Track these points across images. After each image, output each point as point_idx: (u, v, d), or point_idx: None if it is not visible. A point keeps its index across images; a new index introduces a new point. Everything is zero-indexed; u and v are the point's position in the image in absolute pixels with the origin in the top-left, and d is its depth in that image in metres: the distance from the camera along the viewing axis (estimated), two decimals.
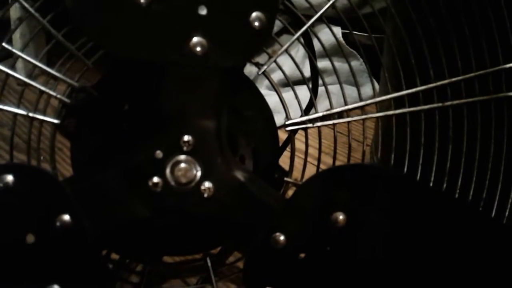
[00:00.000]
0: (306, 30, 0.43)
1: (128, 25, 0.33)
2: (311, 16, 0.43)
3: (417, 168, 0.42)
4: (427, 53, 0.43)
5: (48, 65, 0.41)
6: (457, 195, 0.41)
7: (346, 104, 0.44)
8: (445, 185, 0.42)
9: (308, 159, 0.44)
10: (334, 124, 0.43)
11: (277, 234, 0.37)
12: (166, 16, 0.33)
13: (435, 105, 0.43)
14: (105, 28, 0.33)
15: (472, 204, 0.40)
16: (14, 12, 0.93)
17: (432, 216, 0.39)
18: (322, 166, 0.44)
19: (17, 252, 0.35)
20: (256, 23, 0.35)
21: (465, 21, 0.41)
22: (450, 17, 0.42)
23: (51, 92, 0.40)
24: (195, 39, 0.34)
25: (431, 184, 0.42)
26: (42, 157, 0.42)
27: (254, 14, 0.35)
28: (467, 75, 0.43)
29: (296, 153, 0.44)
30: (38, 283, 0.36)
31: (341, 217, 0.37)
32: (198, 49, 0.34)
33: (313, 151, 0.45)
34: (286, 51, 0.43)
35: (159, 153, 0.36)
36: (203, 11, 0.34)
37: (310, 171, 0.44)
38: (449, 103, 0.43)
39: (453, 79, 0.43)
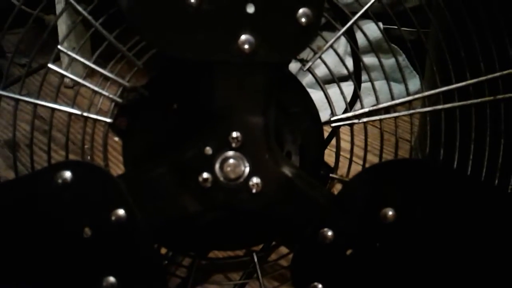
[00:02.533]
0: (350, 26, 0.43)
1: (179, 25, 0.34)
2: (352, 12, 0.43)
3: (467, 164, 0.41)
4: (478, 46, 0.42)
5: (93, 73, 0.43)
6: (510, 191, 0.40)
7: (392, 99, 0.43)
8: (497, 181, 0.41)
9: (353, 156, 0.44)
10: (380, 120, 0.43)
11: (325, 229, 0.37)
12: (215, 15, 0.34)
13: (486, 98, 0.42)
14: (157, 28, 0.34)
15: None
16: (62, 22, 0.97)
17: (484, 211, 0.38)
18: (356, 160, 0.44)
19: (75, 245, 0.37)
20: (303, 19, 0.35)
21: None
22: (500, 8, 0.41)
23: (104, 92, 0.42)
24: (243, 37, 0.35)
25: (482, 179, 0.41)
26: (88, 157, 0.44)
27: (301, 11, 0.35)
28: None
29: (342, 153, 0.44)
30: (94, 275, 0.37)
31: (390, 213, 0.36)
32: (246, 46, 0.35)
33: (356, 150, 0.44)
34: (331, 47, 0.43)
35: (208, 150, 0.37)
36: (250, 9, 0.34)
37: (355, 168, 0.44)
38: (501, 96, 0.42)
39: (505, 72, 0.42)
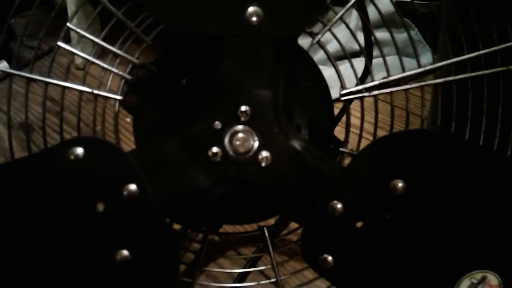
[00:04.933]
0: None
1: None
2: None
3: (479, 136, 0.41)
4: (490, 16, 0.41)
5: (104, 54, 0.43)
6: None
7: (404, 71, 0.43)
8: (509, 153, 0.41)
9: (363, 134, 0.43)
10: (391, 93, 0.43)
11: (335, 202, 0.37)
12: None
13: (499, 69, 0.41)
14: (164, 3, 0.34)
15: None
16: (70, 2, 0.97)
17: (495, 182, 0.37)
18: (366, 135, 0.43)
19: (88, 219, 0.38)
20: None
21: None
22: None
23: (113, 69, 0.42)
24: (251, 9, 0.34)
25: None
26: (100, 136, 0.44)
27: None
28: None
29: (350, 128, 0.44)
30: (108, 248, 0.38)
31: (400, 184, 0.36)
32: (254, 18, 0.34)
33: (367, 125, 0.44)
34: (342, 19, 0.42)
35: (217, 124, 0.37)
36: None
37: (364, 144, 0.44)
38: None
39: None
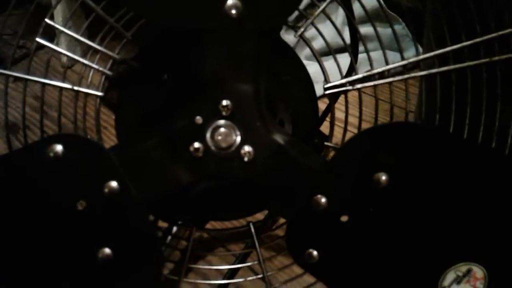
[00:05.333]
0: None
1: None
2: None
3: (463, 128, 0.41)
4: (473, 7, 0.41)
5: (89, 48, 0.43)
6: (506, 153, 0.40)
7: (387, 64, 0.43)
8: (493, 145, 0.41)
9: (348, 127, 0.43)
10: (375, 86, 0.42)
11: (319, 196, 0.37)
12: None
13: (482, 60, 0.41)
14: None
15: None
16: (57, 10, 0.96)
17: (479, 174, 0.37)
18: (349, 128, 0.43)
19: (69, 218, 0.37)
20: None
21: None
22: None
23: (94, 66, 0.42)
24: (230, 2, 0.34)
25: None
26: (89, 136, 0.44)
27: None
28: None
29: (336, 122, 0.43)
30: (90, 247, 0.37)
31: (383, 177, 0.36)
32: (233, 11, 0.34)
33: (353, 119, 0.44)
34: (325, 13, 0.42)
35: (199, 119, 0.37)
36: None
37: (349, 137, 0.43)
38: (496, 58, 0.41)
39: (500, 32, 0.41)
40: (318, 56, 0.43)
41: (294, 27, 0.41)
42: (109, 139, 0.58)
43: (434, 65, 0.43)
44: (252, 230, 0.46)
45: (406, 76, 0.42)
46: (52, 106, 0.44)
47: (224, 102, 0.36)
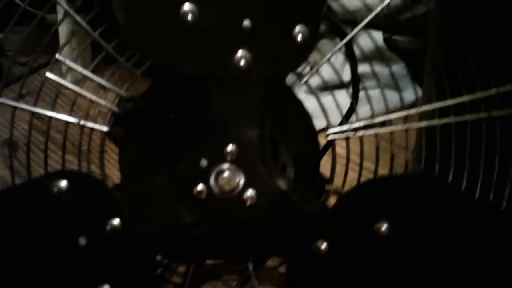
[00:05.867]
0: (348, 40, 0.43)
1: (176, 40, 0.35)
2: (350, 21, 0.43)
3: (462, 180, 0.42)
4: (473, 62, 0.42)
5: (94, 69, 0.43)
6: (503, 208, 0.41)
7: (388, 112, 0.44)
8: (491, 197, 0.41)
9: (350, 165, 0.44)
10: (376, 134, 0.43)
11: (320, 241, 0.38)
12: (212, 31, 0.34)
13: (482, 115, 0.42)
14: (155, 44, 0.35)
15: None
16: (63, 24, 0.97)
17: (476, 228, 0.38)
18: (364, 172, 0.44)
19: (71, 253, 0.37)
20: (300, 37, 0.35)
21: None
22: (496, 25, 0.41)
23: (101, 101, 0.42)
24: (240, 53, 0.35)
25: (476, 196, 0.41)
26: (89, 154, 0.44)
27: (297, 28, 0.35)
28: None
29: (338, 159, 0.44)
30: (89, 283, 0.37)
31: (384, 226, 0.37)
32: (243, 62, 0.35)
33: (354, 156, 0.44)
34: (329, 60, 0.43)
35: (204, 162, 0.37)
36: (247, 25, 0.35)
37: (351, 177, 0.44)
38: (496, 113, 0.42)
39: (501, 89, 0.42)
40: (319, 95, 0.44)
41: (299, 75, 0.42)
42: (111, 165, 0.58)
43: (433, 113, 0.44)
44: (250, 268, 0.46)
45: (406, 125, 0.43)
46: (53, 126, 0.44)
47: (229, 147, 0.37)
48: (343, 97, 0.46)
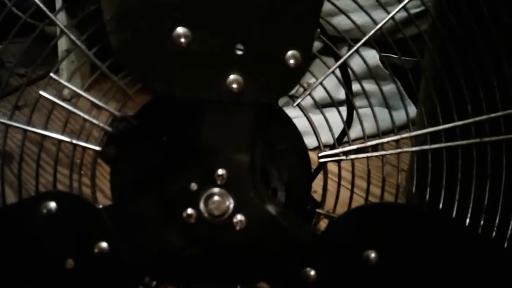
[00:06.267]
0: (344, 61, 0.44)
1: (168, 64, 0.35)
2: (345, 40, 0.43)
3: (453, 205, 0.42)
4: (465, 87, 0.42)
5: (91, 90, 0.43)
6: (494, 234, 0.41)
7: (380, 136, 0.44)
8: (482, 222, 0.41)
9: (342, 182, 0.44)
10: (368, 157, 0.43)
11: (308, 269, 0.37)
12: (205, 55, 0.35)
13: (473, 140, 0.43)
14: (147, 66, 0.35)
15: (508, 248, 0.39)
16: (61, 40, 0.98)
17: (467, 257, 0.38)
18: (356, 190, 0.44)
19: (58, 275, 0.37)
20: (292, 61, 0.36)
21: (504, 56, 0.40)
22: (489, 51, 0.41)
23: (94, 121, 0.42)
24: (232, 77, 0.35)
25: (467, 222, 0.41)
26: (82, 172, 0.44)
27: (289, 53, 0.35)
28: (507, 111, 0.42)
29: (330, 176, 0.44)
30: None
31: (373, 255, 0.37)
32: (235, 86, 0.35)
33: (346, 174, 0.44)
34: (321, 84, 0.43)
35: (193, 186, 0.37)
36: (239, 50, 0.35)
37: (345, 195, 0.44)
38: (487, 139, 0.42)
39: (492, 115, 0.42)
40: (310, 119, 0.44)
41: (291, 97, 0.42)
42: (102, 183, 0.58)
43: (426, 139, 0.44)
44: None
45: (398, 150, 0.43)
46: (53, 143, 0.44)
47: (220, 171, 0.37)
48: (338, 116, 0.45)
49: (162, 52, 0.34)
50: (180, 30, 0.34)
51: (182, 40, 0.34)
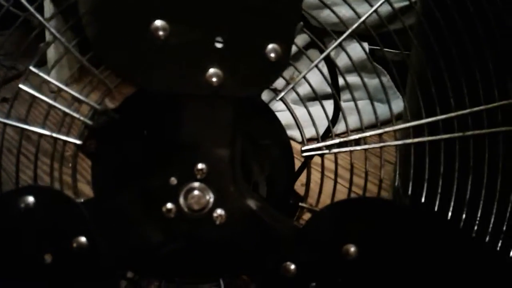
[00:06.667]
0: (328, 54, 0.43)
1: (146, 57, 0.34)
2: (335, 32, 0.43)
3: (435, 199, 0.42)
4: (448, 81, 0.42)
5: (79, 83, 0.43)
6: (475, 228, 0.41)
7: (363, 130, 0.43)
8: (464, 216, 0.41)
9: (327, 173, 0.44)
10: (350, 151, 0.43)
11: (288, 263, 0.37)
12: (183, 49, 0.34)
13: (456, 134, 0.43)
14: (123, 59, 0.34)
15: (489, 244, 0.39)
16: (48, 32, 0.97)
17: (447, 252, 0.38)
18: (340, 181, 0.44)
19: (37, 270, 0.37)
20: (272, 55, 0.35)
21: (488, 50, 0.40)
22: (472, 46, 0.41)
23: (74, 114, 0.42)
24: (211, 70, 0.35)
25: (449, 215, 0.41)
26: (65, 166, 0.43)
27: (270, 46, 0.35)
28: (489, 105, 0.42)
29: (316, 167, 0.44)
30: None
31: (352, 249, 0.37)
32: (214, 79, 0.35)
33: (334, 167, 0.44)
34: (304, 78, 0.43)
35: (173, 180, 0.37)
36: (219, 43, 0.34)
37: (330, 188, 0.44)
38: (470, 133, 0.42)
39: (475, 109, 0.42)
40: (294, 113, 0.43)
41: (274, 90, 0.42)
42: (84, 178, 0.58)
43: (409, 132, 0.44)
44: (222, 286, 0.45)
45: (381, 144, 0.43)
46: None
47: (199, 166, 0.37)
48: (329, 108, 0.45)
49: (140, 45, 0.34)
50: (158, 23, 0.34)
51: (160, 33, 0.34)
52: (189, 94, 0.35)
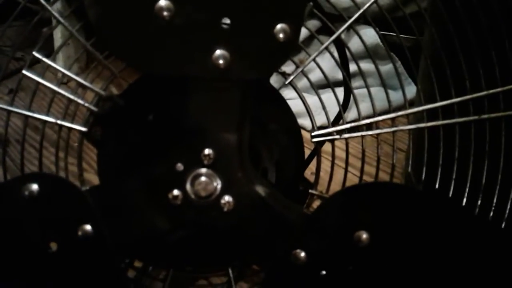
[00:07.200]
0: (338, 36, 0.42)
1: (151, 39, 0.33)
2: (344, 18, 0.41)
3: (450, 184, 0.40)
4: (464, 63, 0.41)
5: (87, 64, 0.42)
6: (491, 214, 0.39)
7: (375, 113, 0.42)
8: (479, 202, 0.40)
9: (339, 162, 0.42)
10: (362, 136, 0.42)
11: (298, 250, 0.36)
12: (189, 30, 0.33)
13: (471, 118, 0.41)
14: (127, 42, 0.33)
15: (505, 228, 0.38)
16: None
17: (462, 238, 0.37)
18: (351, 169, 0.43)
19: (41, 259, 0.36)
20: (281, 35, 0.34)
21: (505, 32, 0.39)
22: (489, 27, 0.39)
23: (79, 101, 0.41)
24: (218, 52, 0.33)
25: (464, 201, 0.40)
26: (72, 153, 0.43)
27: (278, 26, 0.34)
28: (506, 87, 0.40)
29: (328, 156, 0.42)
30: None
31: (364, 236, 0.36)
32: (221, 62, 0.34)
33: (344, 154, 0.43)
34: (315, 60, 0.42)
35: (180, 166, 0.36)
36: (226, 24, 0.33)
37: (339, 176, 0.43)
38: (486, 116, 0.41)
39: (491, 91, 0.41)
40: (304, 99, 0.42)
41: (283, 74, 0.41)
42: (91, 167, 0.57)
43: (423, 116, 0.42)
44: (231, 275, 0.45)
45: (393, 129, 0.42)
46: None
47: (206, 151, 0.36)
48: (340, 94, 0.44)
49: (144, 26, 0.33)
50: (162, 2, 0.32)
51: (165, 13, 0.32)
52: (195, 77, 0.34)
